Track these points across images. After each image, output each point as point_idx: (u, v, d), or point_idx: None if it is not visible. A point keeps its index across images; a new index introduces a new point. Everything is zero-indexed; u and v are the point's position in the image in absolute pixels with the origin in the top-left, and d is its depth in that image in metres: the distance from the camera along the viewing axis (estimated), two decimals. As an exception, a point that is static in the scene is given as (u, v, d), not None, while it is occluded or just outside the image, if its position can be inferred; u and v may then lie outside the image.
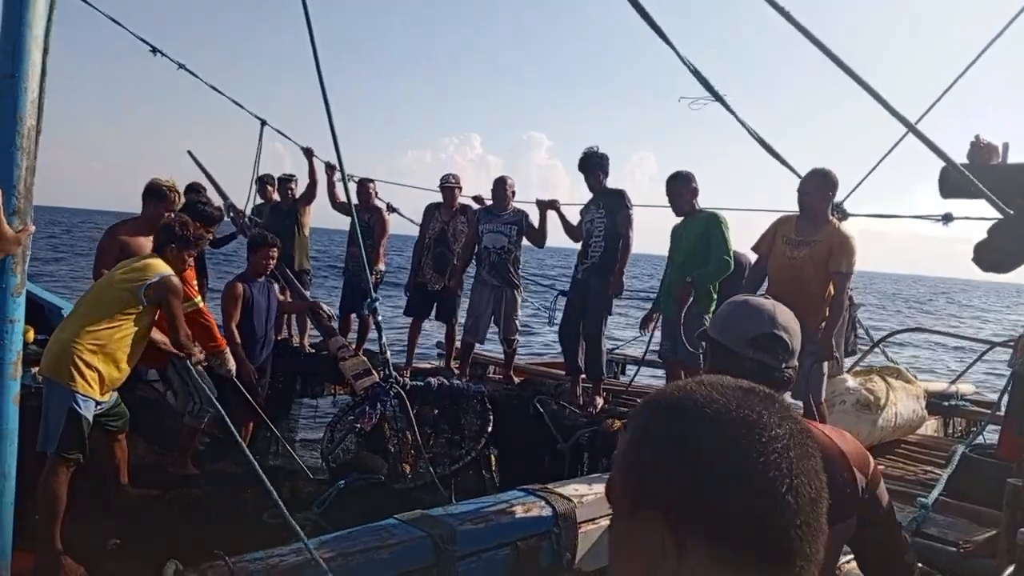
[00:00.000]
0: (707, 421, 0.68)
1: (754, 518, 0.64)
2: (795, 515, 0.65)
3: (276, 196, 7.61)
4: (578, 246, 5.88)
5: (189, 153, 7.38)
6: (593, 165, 5.79)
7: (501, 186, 6.40)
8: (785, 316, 1.63)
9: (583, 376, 5.86)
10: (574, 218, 6.06)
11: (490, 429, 5.03)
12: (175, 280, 4.01)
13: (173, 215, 4.63)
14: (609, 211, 5.68)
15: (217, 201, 6.49)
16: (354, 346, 6.31)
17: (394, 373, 5.24)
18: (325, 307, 5.93)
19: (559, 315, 6.33)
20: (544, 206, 6.31)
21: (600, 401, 5.69)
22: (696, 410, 0.69)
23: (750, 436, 0.66)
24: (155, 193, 4.84)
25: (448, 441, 5.16)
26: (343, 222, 6.65)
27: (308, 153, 7.10)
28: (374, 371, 5.25)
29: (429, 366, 7.12)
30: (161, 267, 3.99)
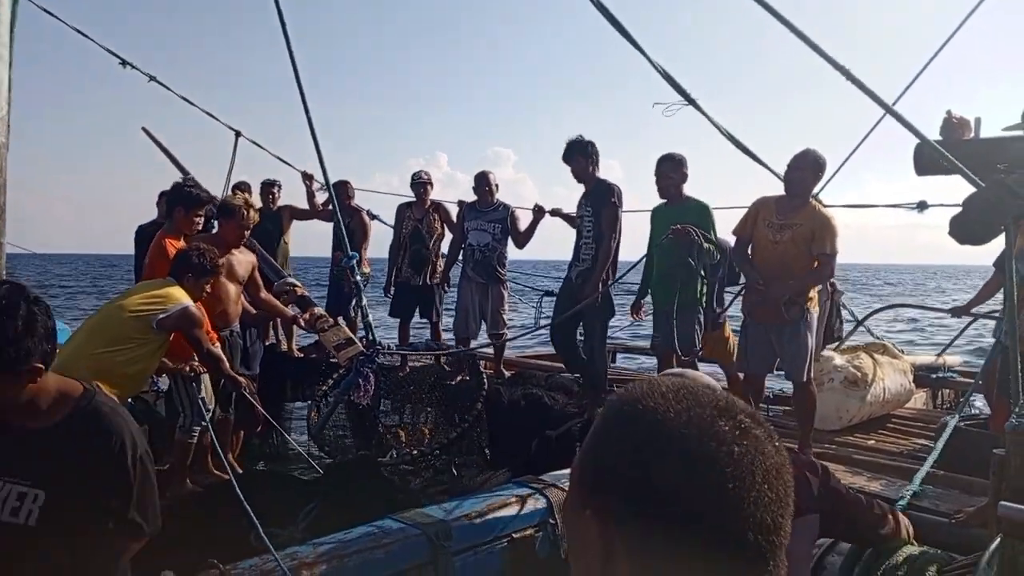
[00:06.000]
0: (674, 441, 0.66)
1: (712, 532, 0.64)
2: (759, 526, 0.65)
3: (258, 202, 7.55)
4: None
5: (144, 130, 7.18)
6: (576, 150, 5.33)
7: (483, 181, 6.30)
8: None
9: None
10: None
11: (484, 394, 4.87)
12: (193, 310, 3.93)
13: (248, 234, 4.76)
14: (596, 208, 5.30)
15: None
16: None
17: (378, 340, 4.96)
18: (294, 281, 5.74)
19: (545, 315, 6.21)
20: (539, 214, 6.17)
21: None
22: (664, 426, 0.67)
23: (717, 464, 0.65)
24: (226, 210, 4.75)
25: (440, 404, 4.98)
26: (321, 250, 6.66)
27: (307, 177, 7.10)
28: (356, 340, 4.98)
29: (420, 364, 7.11)
30: (180, 297, 3.91)
